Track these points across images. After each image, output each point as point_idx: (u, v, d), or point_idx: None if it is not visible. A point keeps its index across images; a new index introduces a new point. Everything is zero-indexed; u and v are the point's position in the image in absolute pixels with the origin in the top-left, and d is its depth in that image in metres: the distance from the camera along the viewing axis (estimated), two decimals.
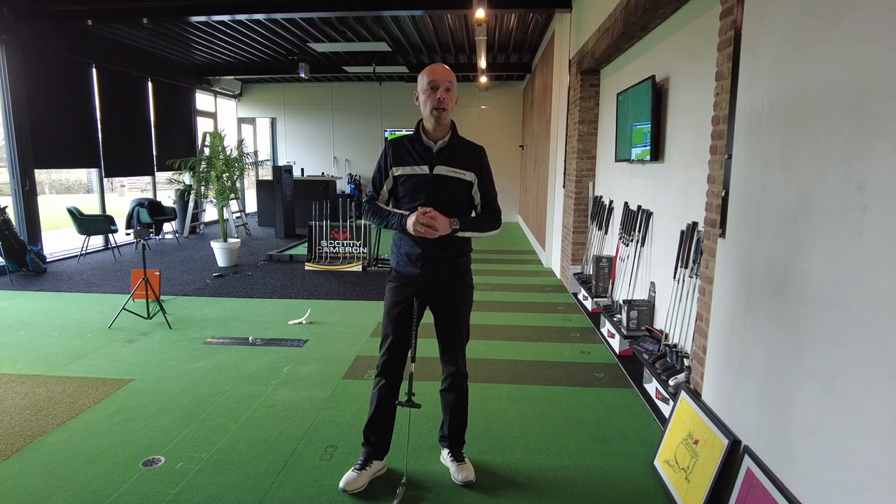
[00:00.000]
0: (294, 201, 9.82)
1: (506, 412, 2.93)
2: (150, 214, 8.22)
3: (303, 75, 9.90)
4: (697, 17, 3.03)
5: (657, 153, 3.57)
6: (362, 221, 7.06)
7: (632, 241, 4.02)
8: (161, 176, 9.63)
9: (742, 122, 2.09)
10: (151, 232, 7.90)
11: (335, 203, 8.02)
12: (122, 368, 3.48)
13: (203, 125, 11.14)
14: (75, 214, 7.10)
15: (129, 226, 8.17)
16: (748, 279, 2.01)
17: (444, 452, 2.39)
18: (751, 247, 2.00)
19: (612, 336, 3.92)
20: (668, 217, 3.43)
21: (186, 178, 7.57)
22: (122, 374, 3.39)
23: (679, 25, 3.31)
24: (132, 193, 13.74)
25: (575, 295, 5.45)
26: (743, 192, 2.07)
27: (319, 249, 7.05)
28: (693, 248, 2.85)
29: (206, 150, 7.67)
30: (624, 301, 3.60)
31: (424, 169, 2.13)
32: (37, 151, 6.82)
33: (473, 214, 2.27)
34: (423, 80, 2.10)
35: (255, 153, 7.96)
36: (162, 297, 4.98)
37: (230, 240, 6.92)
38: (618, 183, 4.66)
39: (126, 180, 14.52)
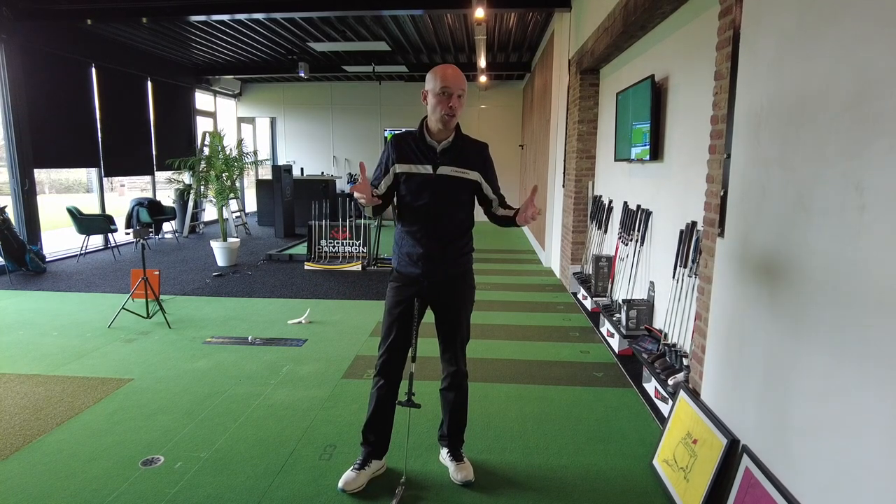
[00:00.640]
0: (294, 201, 9.81)
1: (505, 411, 2.93)
2: (149, 214, 8.22)
3: (302, 75, 9.91)
4: (696, 17, 3.03)
5: (656, 153, 3.57)
6: (362, 221, 7.07)
7: (631, 240, 4.02)
8: (161, 175, 9.63)
9: (741, 121, 2.10)
10: (151, 231, 7.91)
11: (335, 202, 8.02)
12: (122, 368, 3.48)
13: (203, 125, 11.14)
14: (75, 214, 7.10)
15: (128, 225, 8.16)
16: (747, 279, 2.01)
17: (444, 452, 2.39)
18: (749, 246, 2.00)
19: (612, 335, 3.92)
20: (668, 216, 3.43)
21: (186, 177, 7.57)
22: (122, 373, 3.39)
23: (678, 25, 3.31)
24: (132, 193, 13.72)
25: (574, 294, 5.45)
26: (742, 192, 2.07)
27: (319, 249, 7.05)
28: (692, 248, 2.84)
29: (206, 150, 7.67)
30: (623, 300, 3.60)
31: (428, 168, 2.11)
32: (36, 151, 6.82)
33: (493, 208, 2.26)
34: (435, 82, 2.02)
35: (255, 152, 7.95)
36: (161, 297, 4.98)
37: (230, 239, 6.92)
38: (617, 182, 4.66)
39: (126, 180, 14.51)
